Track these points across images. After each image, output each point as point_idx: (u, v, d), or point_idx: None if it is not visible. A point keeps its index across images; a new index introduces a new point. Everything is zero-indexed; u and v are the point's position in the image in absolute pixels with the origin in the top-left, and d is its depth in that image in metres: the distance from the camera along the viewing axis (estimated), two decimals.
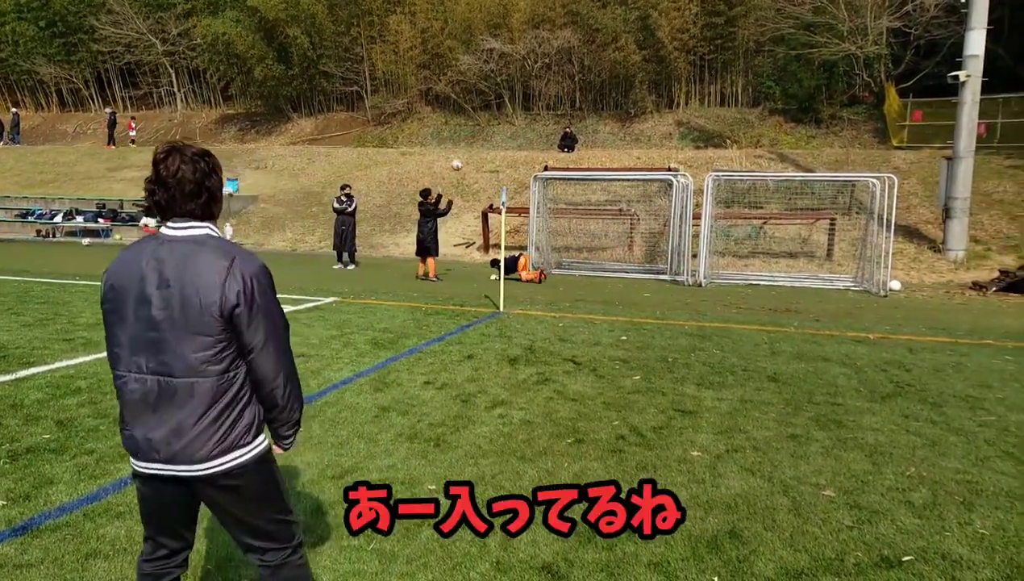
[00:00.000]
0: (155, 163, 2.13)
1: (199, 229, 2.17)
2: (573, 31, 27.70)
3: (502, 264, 11.69)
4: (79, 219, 23.31)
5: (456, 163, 10.85)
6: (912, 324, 9.91)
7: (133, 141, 32.11)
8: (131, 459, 2.25)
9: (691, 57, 27.41)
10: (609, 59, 27.30)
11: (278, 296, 2.28)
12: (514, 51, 27.99)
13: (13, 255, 17.43)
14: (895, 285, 14.03)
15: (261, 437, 2.29)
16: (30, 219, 23.89)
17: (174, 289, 2.08)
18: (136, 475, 2.28)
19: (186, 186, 2.12)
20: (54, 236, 23.28)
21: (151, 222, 20.41)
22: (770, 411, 5.60)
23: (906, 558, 3.32)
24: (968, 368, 7.15)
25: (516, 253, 15.31)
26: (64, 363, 6.73)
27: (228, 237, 17.23)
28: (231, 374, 2.16)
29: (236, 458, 2.19)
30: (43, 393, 5.76)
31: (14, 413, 5.24)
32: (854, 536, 3.53)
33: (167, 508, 2.31)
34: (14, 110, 35.72)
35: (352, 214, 16.28)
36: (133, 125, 32.59)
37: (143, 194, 2.22)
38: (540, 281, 14.48)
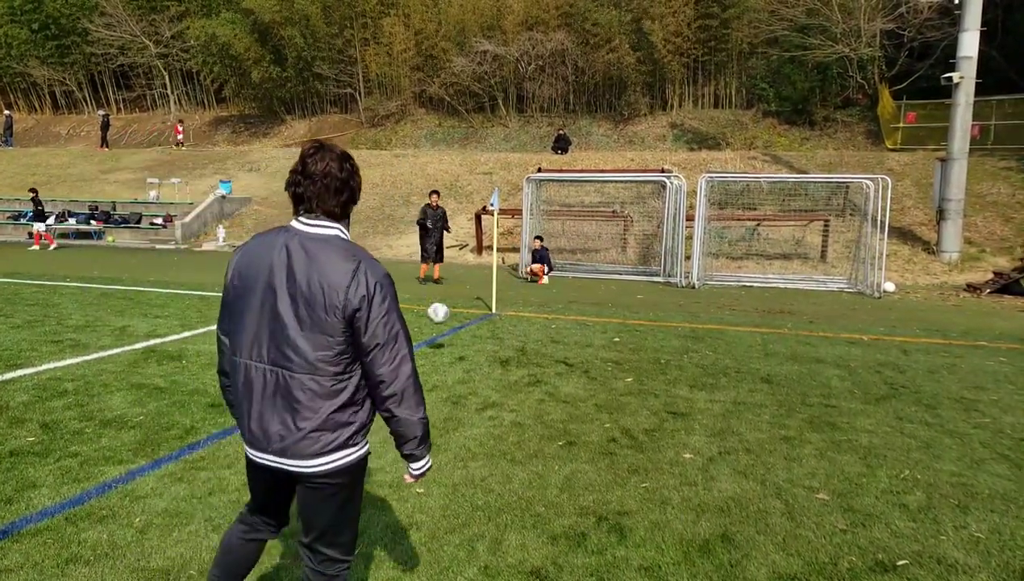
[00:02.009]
0: (303, 157, 2.20)
1: (330, 229, 2.20)
2: (567, 33, 27.69)
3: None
4: (72, 221, 23.17)
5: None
6: (906, 326, 9.89)
7: (180, 144, 31.11)
8: (245, 446, 2.32)
9: (685, 59, 27.42)
10: (603, 61, 27.29)
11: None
12: (508, 53, 27.97)
13: (4, 257, 17.28)
14: (889, 286, 14.02)
15: (365, 441, 2.31)
16: (22, 221, 23.74)
17: (301, 285, 2.12)
18: (248, 459, 2.35)
19: (332, 182, 2.19)
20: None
21: (41, 228, 20.34)
22: (763, 413, 5.55)
23: (901, 562, 3.27)
24: (962, 370, 7.12)
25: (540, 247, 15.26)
26: (51, 365, 6.64)
27: (220, 239, 17.17)
28: (348, 376, 2.18)
29: (341, 459, 2.20)
30: (29, 395, 5.68)
31: None
32: (848, 540, 3.48)
33: (272, 493, 2.43)
34: (7, 112, 35.54)
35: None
36: (180, 129, 31.79)
37: (286, 186, 2.28)
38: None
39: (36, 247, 20.19)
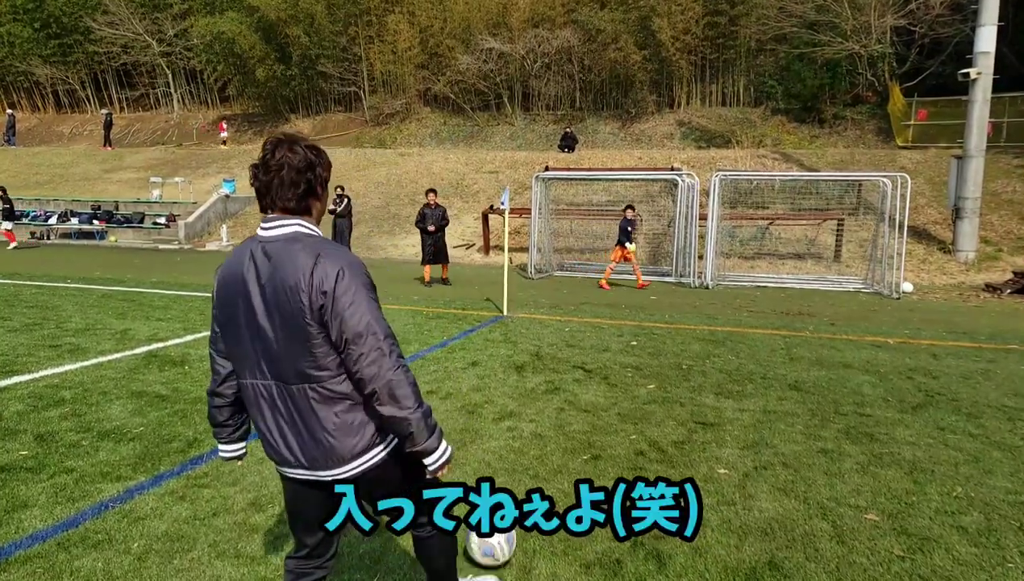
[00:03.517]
0: (263, 147, 2.10)
1: (287, 226, 2.08)
2: (573, 31, 27.39)
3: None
4: (74, 221, 22.98)
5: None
6: (930, 328, 9.58)
7: (224, 142, 30.70)
8: (277, 467, 2.26)
9: (692, 57, 27.12)
10: (609, 59, 26.99)
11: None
12: (513, 51, 27.69)
13: (5, 258, 17.07)
14: (907, 287, 13.71)
15: (391, 436, 2.19)
16: (25, 221, 23.55)
17: (269, 295, 2.04)
18: (285, 479, 2.29)
19: (288, 175, 2.06)
20: (48, 238, 22.94)
21: (8, 226, 20.13)
22: (796, 423, 5.26)
23: None
24: (998, 375, 6.82)
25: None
26: (49, 371, 6.40)
27: (224, 239, 16.98)
28: (343, 375, 2.07)
29: (371, 459, 2.14)
30: (24, 404, 5.43)
31: None
32: (907, 568, 3.20)
33: (307, 509, 2.29)
34: (9, 112, 35.38)
35: (343, 215, 15.97)
36: (225, 126, 31.31)
37: (250, 182, 2.19)
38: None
39: (13, 245, 20.03)
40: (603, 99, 29.17)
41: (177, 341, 7.76)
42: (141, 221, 22.91)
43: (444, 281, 13.71)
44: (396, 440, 2.18)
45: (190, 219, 21.78)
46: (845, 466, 4.41)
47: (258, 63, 30.91)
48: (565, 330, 8.88)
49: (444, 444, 2.16)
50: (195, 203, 22.86)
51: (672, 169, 17.74)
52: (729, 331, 9.00)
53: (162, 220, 22.45)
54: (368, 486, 2.23)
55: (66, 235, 22.98)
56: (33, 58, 35.81)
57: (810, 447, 4.74)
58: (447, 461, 2.17)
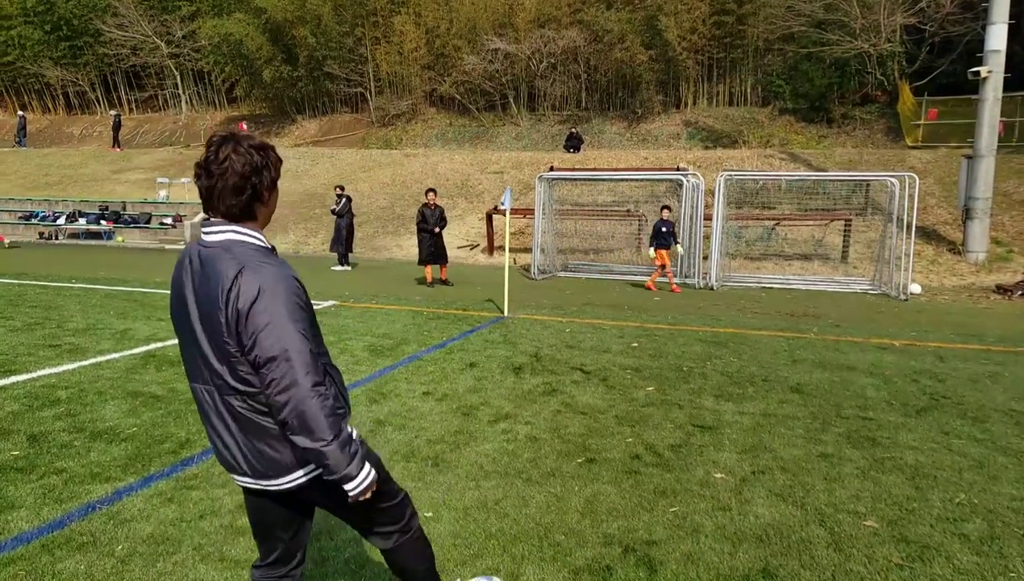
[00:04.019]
0: (207, 147, 1.98)
1: (223, 233, 1.98)
2: (579, 31, 27.30)
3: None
4: (82, 221, 23.09)
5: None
6: (938, 330, 9.45)
7: None
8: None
9: (699, 56, 26.98)
10: (615, 59, 26.88)
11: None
12: (519, 51, 27.62)
13: (13, 257, 17.15)
14: (916, 288, 13.54)
15: None
16: (33, 221, 23.70)
17: (201, 305, 1.96)
18: (242, 488, 2.22)
19: (230, 178, 1.94)
20: (57, 238, 23.05)
21: None
22: (796, 427, 5.17)
23: None
24: (1006, 379, 6.69)
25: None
26: (47, 371, 6.38)
27: None
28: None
29: (310, 472, 2.04)
30: (20, 404, 5.41)
31: None
32: (906, 577, 3.11)
33: (265, 517, 2.23)
34: (20, 113, 35.60)
35: (342, 215, 15.97)
36: (245, 127, 31.43)
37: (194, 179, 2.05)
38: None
39: (4, 243, 20.11)
40: (609, 99, 29.06)
41: (174, 342, 7.73)
42: (148, 221, 22.99)
43: (444, 282, 13.65)
44: None
45: (196, 219, 21.83)
46: (845, 471, 4.32)
47: (265, 64, 30.99)
48: (566, 331, 8.81)
49: (366, 470, 2.01)
50: (201, 203, 22.91)
51: (678, 169, 17.63)
52: (732, 333, 8.90)
53: (168, 220, 22.52)
54: (314, 494, 2.13)
55: (74, 235, 23.08)
56: (44, 60, 36.03)
57: (810, 451, 4.65)
58: (368, 487, 2.02)
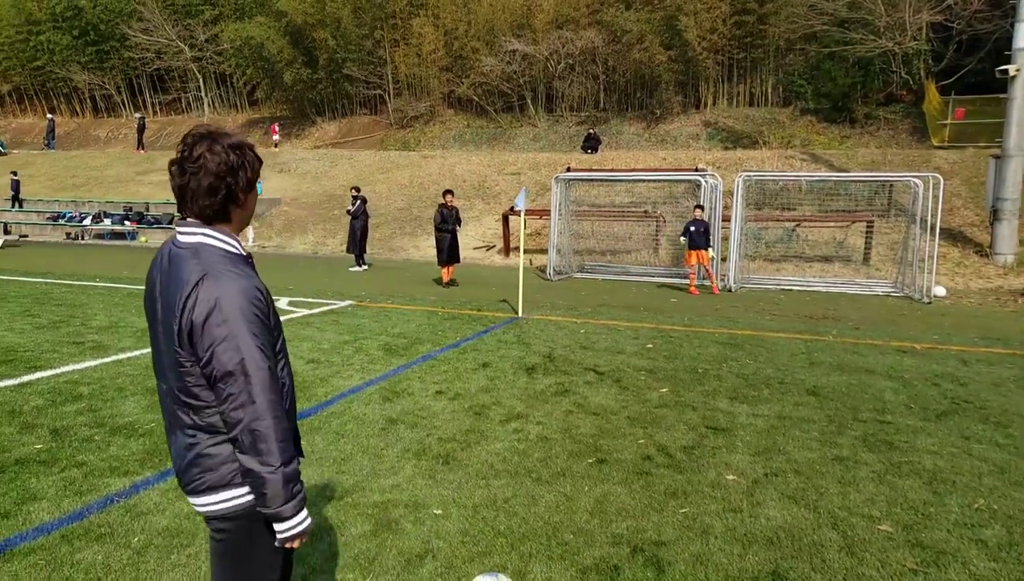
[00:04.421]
0: (181, 143, 1.89)
1: (194, 234, 1.89)
2: (597, 31, 27.23)
3: None
4: (107, 222, 23.49)
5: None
6: (962, 333, 9.28)
7: (276, 145, 30.63)
8: None
9: (719, 57, 26.79)
10: (634, 59, 26.77)
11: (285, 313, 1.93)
12: (537, 52, 27.61)
13: (41, 257, 17.47)
14: (940, 291, 13.31)
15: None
16: (60, 222, 24.16)
17: (163, 305, 1.88)
18: None
19: (204, 178, 1.84)
20: (83, 238, 23.46)
21: None
22: (812, 429, 5.11)
23: None
24: None
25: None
26: (70, 367, 6.50)
27: (250, 239, 17.13)
28: (215, 410, 1.87)
29: (224, 501, 1.89)
30: (43, 399, 5.52)
31: (11, 420, 5.00)
32: None
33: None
34: (49, 117, 36.33)
35: (357, 216, 16.08)
36: (276, 129, 31.22)
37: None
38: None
39: None
40: (627, 100, 28.95)
41: None
42: (170, 222, 23.30)
43: (451, 282, 13.64)
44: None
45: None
46: (860, 475, 4.26)
47: (286, 67, 31.29)
48: (580, 332, 8.78)
49: (303, 515, 1.88)
50: None
51: (696, 170, 17.51)
52: (749, 335, 8.82)
53: None
54: (217, 532, 1.97)
55: (99, 236, 23.48)
56: (72, 65, 36.75)
57: (825, 454, 4.59)
58: (301, 533, 1.88)
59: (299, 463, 1.99)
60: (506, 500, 3.84)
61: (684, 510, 3.74)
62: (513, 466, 4.33)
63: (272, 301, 1.97)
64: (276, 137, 30.96)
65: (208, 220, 1.89)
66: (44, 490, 3.90)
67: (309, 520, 1.91)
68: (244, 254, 1.96)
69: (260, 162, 1.99)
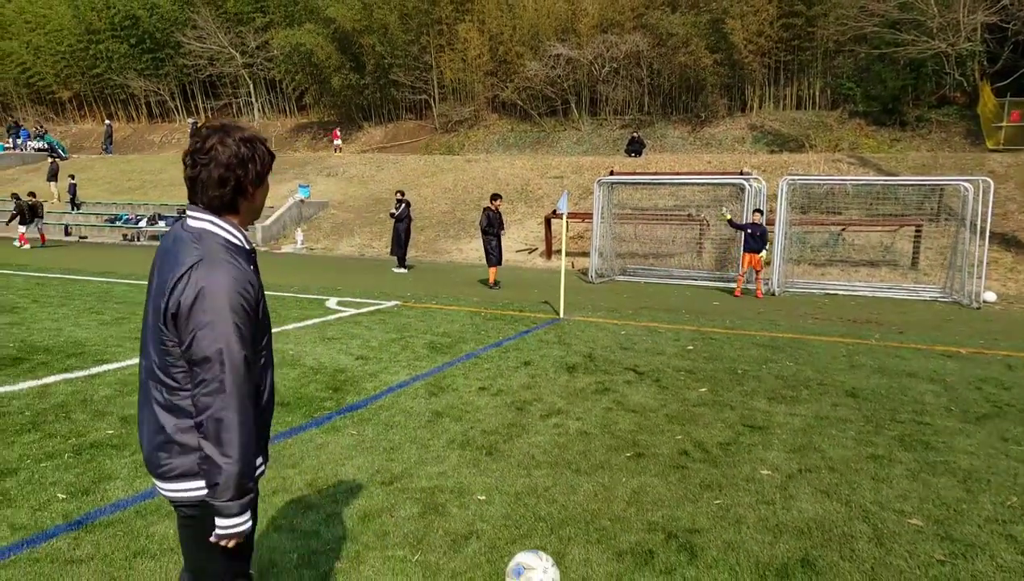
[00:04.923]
0: (194, 136, 1.97)
1: (200, 221, 1.94)
2: (642, 35, 27.24)
3: None
4: (161, 224, 24.42)
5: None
6: (1010, 339, 9.13)
7: (340, 150, 31.46)
8: None
9: (766, 59, 26.54)
10: (679, 63, 26.71)
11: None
12: (581, 56, 27.76)
13: (100, 258, 18.31)
14: (990, 296, 13.04)
15: None
16: (117, 224, 25.19)
17: (156, 284, 1.94)
18: None
19: (214, 170, 1.89)
20: (139, 240, 24.44)
21: (22, 229, 21.26)
22: (848, 429, 5.18)
23: None
24: None
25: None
26: (133, 361, 6.90)
27: (299, 242, 17.67)
28: (187, 393, 1.90)
29: (197, 489, 1.91)
30: (112, 389, 5.89)
31: (84, 408, 5.37)
32: (946, 572, 3.15)
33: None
34: (108, 122, 37.91)
35: (401, 219, 16.46)
36: (338, 134, 32.17)
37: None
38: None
39: (26, 246, 21.20)
40: (672, 103, 28.89)
41: None
42: None
43: (494, 284, 13.86)
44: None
45: (267, 222, 22.78)
46: (895, 472, 4.33)
47: (334, 72, 32.05)
48: (621, 333, 8.92)
49: (244, 517, 1.89)
50: (271, 207, 23.88)
51: (741, 173, 17.44)
52: (790, 338, 8.84)
53: None
54: (181, 520, 2.01)
55: (154, 237, 24.41)
56: (129, 72, 38.29)
57: (860, 452, 4.67)
58: (237, 535, 1.90)
59: (262, 468, 2.05)
60: (546, 488, 4.03)
61: (718, 501, 3.88)
62: (553, 458, 4.51)
63: (264, 299, 2.01)
64: (338, 142, 31.70)
65: (217, 211, 1.94)
66: (118, 471, 4.23)
67: (250, 523, 1.93)
68: (248, 247, 2.00)
69: (272, 157, 2.01)
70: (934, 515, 3.73)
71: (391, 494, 3.95)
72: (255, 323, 1.91)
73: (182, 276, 1.83)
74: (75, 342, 7.65)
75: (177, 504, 1.97)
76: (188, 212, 1.98)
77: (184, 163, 1.94)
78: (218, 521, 1.87)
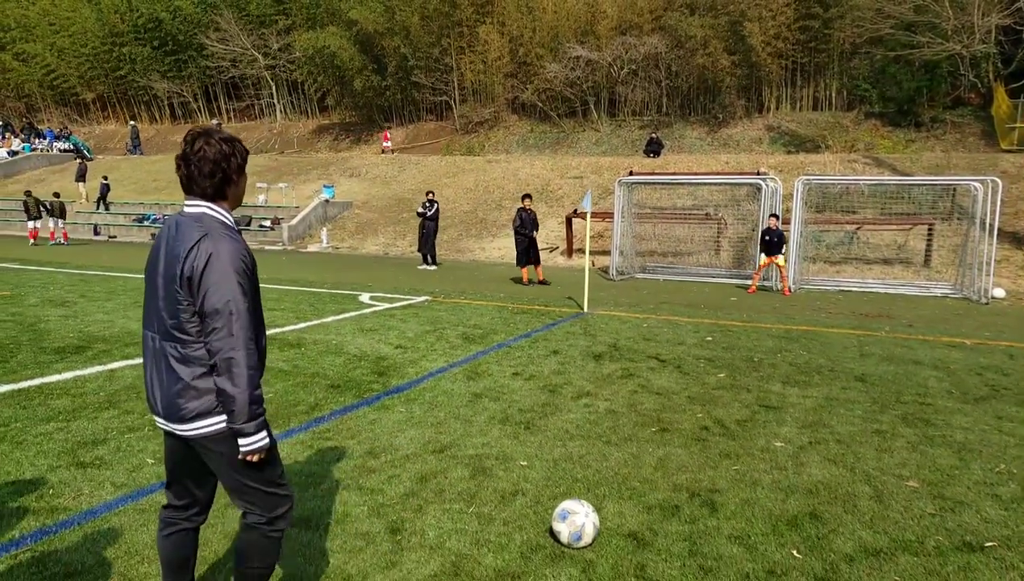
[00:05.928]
0: (184, 140, 2.40)
1: (199, 207, 2.38)
2: (661, 37, 27.63)
3: None
4: None
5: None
6: (1015, 332, 9.51)
7: (391, 151, 32.01)
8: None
9: (783, 61, 26.84)
10: (697, 64, 27.07)
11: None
12: (600, 58, 28.19)
13: (132, 256, 19.00)
14: (999, 292, 13.37)
15: None
16: (145, 223, 25.93)
17: (166, 260, 2.35)
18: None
19: (205, 166, 2.35)
20: None
21: (31, 225, 22.33)
22: (856, 408, 5.63)
23: (988, 544, 3.39)
24: None
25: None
26: None
27: (324, 241, 18.24)
28: (201, 344, 2.32)
29: (211, 425, 2.34)
30: None
31: (142, 394, 5.90)
32: (936, 523, 3.61)
33: (173, 459, 2.55)
34: (132, 123, 38.82)
35: (432, 219, 17.01)
36: (388, 136, 32.78)
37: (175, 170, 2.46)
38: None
39: (33, 241, 22.19)
40: (690, 104, 29.25)
41: (291, 328, 8.76)
42: (248, 224, 24.74)
43: (543, 282, 14.30)
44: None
45: (293, 222, 23.41)
46: (896, 444, 4.79)
47: (356, 74, 32.63)
48: (643, 326, 9.39)
49: (262, 434, 2.35)
50: (297, 207, 24.53)
51: (758, 173, 17.82)
52: (804, 330, 9.27)
53: (267, 223, 24.21)
54: (209, 450, 2.40)
55: None
56: (152, 73, 39.10)
57: (866, 428, 5.12)
58: (259, 450, 2.35)
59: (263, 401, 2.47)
60: (581, 457, 4.52)
61: (736, 468, 4.35)
62: (585, 432, 5.00)
63: (255, 264, 2.45)
64: (388, 144, 32.12)
65: (211, 198, 2.40)
66: None
67: (267, 439, 2.39)
68: (236, 227, 2.47)
69: (247, 151, 2.51)
70: (929, 479, 4.19)
71: (442, 460, 4.45)
72: (252, 282, 2.38)
73: (193, 247, 2.28)
74: (129, 332, 8.21)
75: (200, 441, 2.38)
76: (187, 200, 2.44)
77: (177, 164, 2.40)
78: (240, 441, 2.32)
